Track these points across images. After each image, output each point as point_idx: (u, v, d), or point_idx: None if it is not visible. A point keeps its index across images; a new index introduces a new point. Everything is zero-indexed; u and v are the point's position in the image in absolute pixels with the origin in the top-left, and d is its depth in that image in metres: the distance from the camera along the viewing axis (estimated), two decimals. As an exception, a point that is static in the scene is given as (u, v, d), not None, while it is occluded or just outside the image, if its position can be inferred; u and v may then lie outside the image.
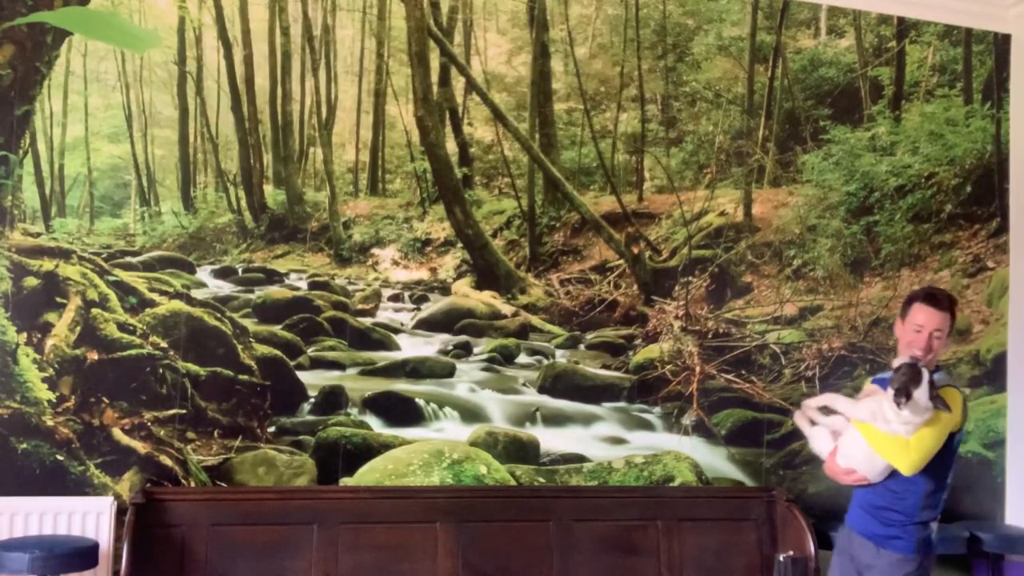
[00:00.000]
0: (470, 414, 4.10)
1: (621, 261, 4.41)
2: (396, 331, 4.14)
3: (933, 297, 2.86)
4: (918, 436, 2.64)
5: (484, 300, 4.26)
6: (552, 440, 4.16)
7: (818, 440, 2.94)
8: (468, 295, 4.26)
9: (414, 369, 4.10)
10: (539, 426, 4.16)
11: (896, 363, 2.69)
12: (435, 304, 4.21)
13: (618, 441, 4.27)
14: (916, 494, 2.79)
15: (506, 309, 4.26)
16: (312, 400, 3.95)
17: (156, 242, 3.91)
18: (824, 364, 4.55)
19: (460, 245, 4.26)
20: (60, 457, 3.61)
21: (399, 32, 4.18)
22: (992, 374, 4.72)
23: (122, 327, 3.75)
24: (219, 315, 3.88)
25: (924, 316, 2.81)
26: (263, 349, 3.92)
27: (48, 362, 3.65)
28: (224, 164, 4.03)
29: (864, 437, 2.73)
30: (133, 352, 3.74)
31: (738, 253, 4.53)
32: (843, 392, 4.50)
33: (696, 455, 4.32)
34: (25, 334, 3.64)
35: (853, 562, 2.91)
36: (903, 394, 2.57)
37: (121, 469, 3.68)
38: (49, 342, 3.66)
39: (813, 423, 2.95)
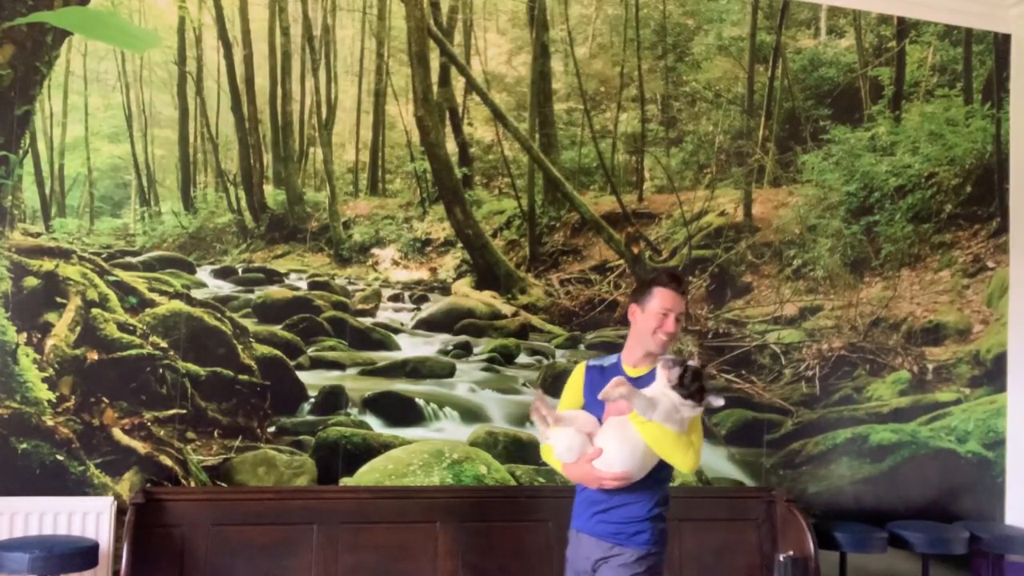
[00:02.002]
0: (470, 414, 4.10)
1: (621, 261, 4.41)
2: (396, 331, 4.14)
3: (677, 280, 2.76)
4: (697, 436, 2.63)
5: (484, 300, 4.26)
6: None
7: (562, 441, 2.68)
8: (468, 295, 4.26)
9: (414, 369, 4.10)
10: (539, 426, 4.16)
11: (666, 361, 2.57)
12: (435, 304, 4.21)
13: (618, 441, 4.26)
14: (659, 487, 2.72)
15: (506, 309, 4.26)
16: (312, 400, 3.95)
17: (156, 242, 3.91)
18: (824, 364, 4.55)
19: (460, 245, 4.26)
20: (60, 457, 3.61)
21: (399, 32, 4.18)
22: (992, 374, 4.72)
23: (122, 327, 3.75)
24: (219, 315, 3.88)
25: (671, 300, 2.71)
26: (263, 349, 3.92)
27: (48, 362, 3.65)
28: (224, 164, 4.03)
29: (646, 436, 2.57)
30: (133, 352, 3.74)
31: (738, 253, 4.53)
32: (843, 390, 4.54)
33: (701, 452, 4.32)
34: (25, 334, 3.64)
35: (587, 566, 2.73)
36: (702, 398, 2.54)
37: (121, 469, 3.68)
38: (49, 342, 3.66)
39: (547, 421, 2.70)
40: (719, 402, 2.64)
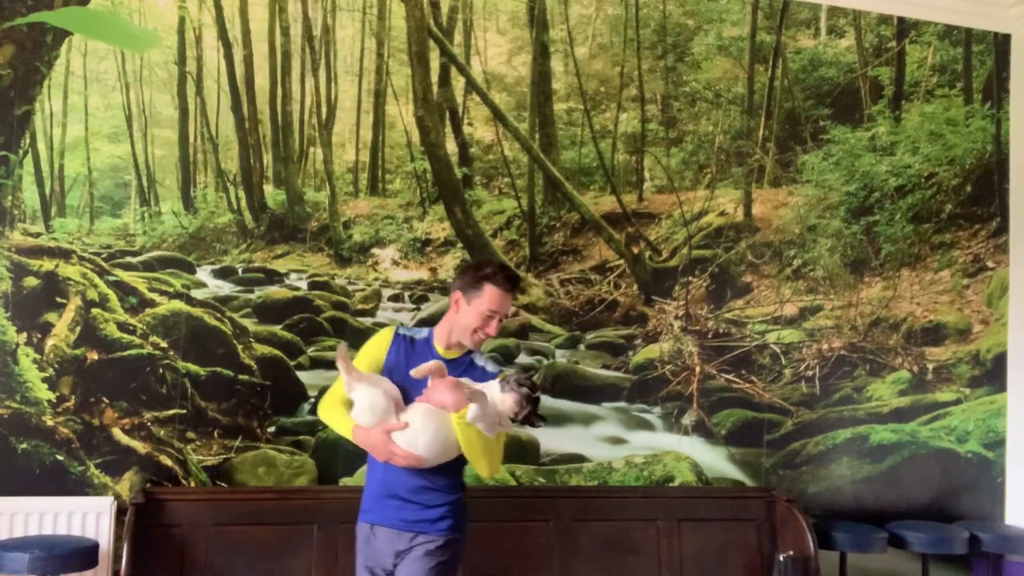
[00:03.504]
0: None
1: (621, 261, 4.41)
2: (396, 331, 4.13)
3: (512, 281, 2.59)
4: (499, 439, 2.56)
5: (484, 300, 4.25)
6: (552, 440, 4.16)
7: (365, 399, 2.52)
8: (468, 295, 4.25)
9: (414, 369, 4.10)
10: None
11: (511, 385, 2.47)
12: (435, 304, 4.21)
13: (618, 441, 4.27)
14: (459, 471, 2.66)
15: (506, 309, 4.26)
16: (312, 400, 3.95)
17: (156, 242, 3.91)
18: (824, 364, 4.55)
19: (460, 245, 4.26)
20: (60, 457, 3.61)
21: (399, 32, 4.18)
22: (992, 374, 4.72)
23: (122, 327, 3.75)
24: (219, 315, 3.88)
25: (499, 302, 2.56)
26: (263, 349, 3.92)
27: (48, 362, 3.65)
28: (224, 164, 4.03)
29: (461, 437, 2.48)
30: (133, 352, 3.74)
31: (738, 253, 4.53)
32: (843, 390, 4.54)
33: (696, 455, 4.33)
34: (25, 334, 3.64)
35: (387, 561, 2.62)
36: (530, 423, 2.50)
37: (121, 469, 3.68)
38: (49, 342, 3.66)
39: (351, 373, 2.53)
40: (540, 425, 2.57)
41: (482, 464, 2.56)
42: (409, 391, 2.61)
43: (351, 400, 2.57)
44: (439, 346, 2.70)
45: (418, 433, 2.50)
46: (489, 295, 2.56)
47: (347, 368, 2.53)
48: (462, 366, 2.66)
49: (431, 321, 4.17)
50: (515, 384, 2.48)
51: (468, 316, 2.59)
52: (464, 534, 2.68)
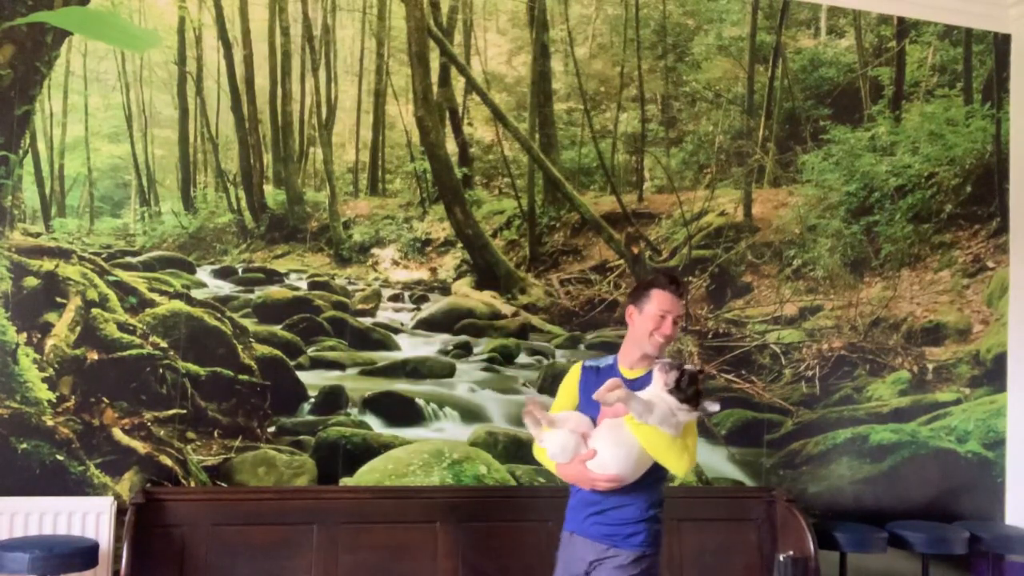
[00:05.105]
0: (470, 414, 4.10)
1: (621, 261, 4.41)
2: (396, 331, 4.13)
3: (676, 282, 2.74)
4: (692, 439, 2.62)
5: (484, 300, 4.26)
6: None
7: (555, 441, 2.67)
8: (468, 295, 4.26)
9: (414, 369, 4.10)
10: (539, 426, 4.16)
11: (663, 365, 2.57)
12: (435, 304, 4.21)
13: (618, 441, 4.26)
14: (654, 489, 2.72)
15: (506, 309, 4.26)
16: (312, 400, 3.95)
17: (156, 242, 3.91)
18: (824, 364, 4.55)
19: (460, 245, 4.26)
20: (60, 457, 3.61)
21: (399, 32, 4.18)
22: (992, 374, 4.72)
23: (122, 327, 3.75)
24: (219, 315, 3.88)
25: (668, 302, 2.70)
26: (263, 349, 3.92)
27: (48, 362, 3.65)
28: (224, 164, 4.03)
29: (641, 439, 2.57)
30: (133, 352, 3.74)
31: (738, 253, 4.53)
32: (843, 390, 4.54)
33: (696, 455, 4.32)
34: (25, 334, 3.64)
35: (581, 568, 2.72)
36: (698, 403, 2.53)
37: (121, 469, 3.68)
38: (49, 342, 3.66)
39: (541, 423, 2.69)
40: (715, 408, 2.63)
41: (670, 462, 2.61)
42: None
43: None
44: (623, 368, 2.78)
45: (605, 453, 2.61)
46: (656, 297, 2.71)
47: (532, 423, 2.70)
48: (646, 383, 2.69)
49: (431, 321, 4.21)
50: (666, 367, 2.56)
51: (643, 322, 2.72)
52: (657, 551, 2.73)
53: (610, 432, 2.62)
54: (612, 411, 2.61)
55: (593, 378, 2.78)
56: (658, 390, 2.57)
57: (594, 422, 2.70)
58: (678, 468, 2.63)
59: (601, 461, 2.61)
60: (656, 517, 2.72)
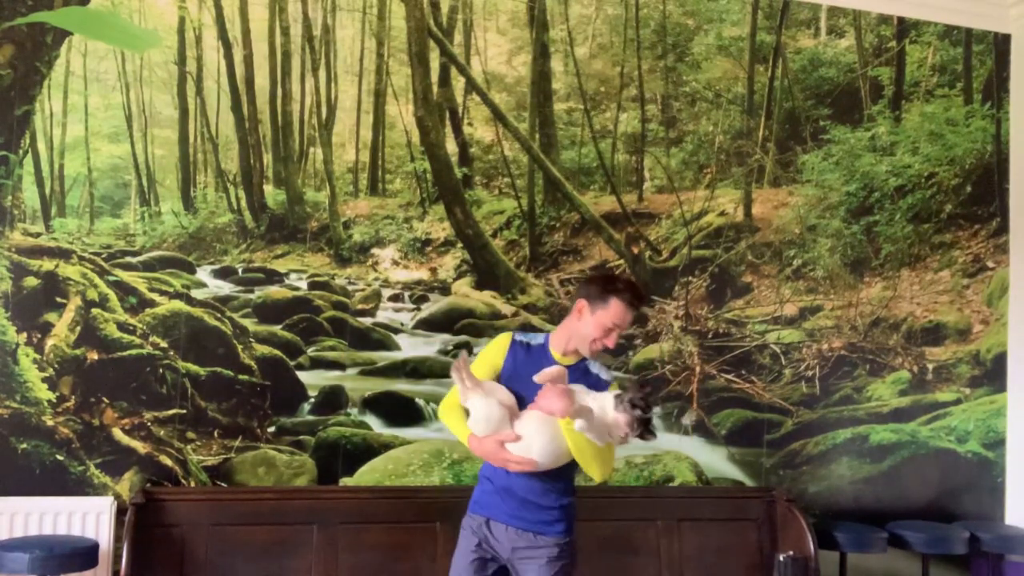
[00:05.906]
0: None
1: (621, 261, 4.41)
2: (396, 331, 4.14)
3: (640, 300, 2.67)
4: (609, 445, 2.58)
5: (484, 300, 4.26)
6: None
7: (481, 410, 2.57)
8: (468, 295, 4.26)
9: (414, 369, 4.10)
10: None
11: (624, 403, 2.48)
12: (435, 304, 4.21)
13: (618, 441, 4.26)
14: (571, 475, 2.70)
15: (506, 309, 4.26)
16: (312, 400, 3.95)
17: (156, 242, 3.91)
18: (824, 364, 4.55)
19: (460, 245, 4.26)
20: (60, 457, 3.61)
21: (399, 32, 4.18)
22: (992, 374, 4.72)
23: (122, 327, 3.75)
24: (219, 315, 3.88)
25: (623, 317, 2.61)
26: (263, 349, 3.92)
27: (48, 362, 3.65)
28: (224, 164, 4.03)
29: (571, 443, 2.53)
30: (133, 352, 3.74)
31: (738, 253, 4.53)
32: (843, 390, 4.54)
33: (696, 455, 4.32)
34: (25, 334, 3.64)
35: (495, 553, 2.69)
36: (642, 438, 2.51)
37: (121, 469, 3.68)
38: (49, 342, 3.66)
39: (467, 383, 2.58)
40: (651, 440, 2.59)
41: (593, 468, 2.59)
42: (524, 397, 2.65)
43: (467, 409, 2.63)
44: (555, 352, 2.72)
45: (532, 439, 2.55)
46: (615, 309, 2.61)
47: (462, 378, 2.58)
48: (577, 372, 2.67)
49: (431, 321, 4.21)
50: (629, 405, 2.49)
51: (589, 326, 2.63)
52: (574, 536, 2.73)
53: (543, 423, 2.55)
54: (548, 407, 2.53)
55: (522, 354, 2.71)
56: (604, 406, 2.52)
57: (518, 399, 2.64)
58: (598, 475, 2.61)
59: (525, 445, 2.55)
60: (574, 504, 2.73)
